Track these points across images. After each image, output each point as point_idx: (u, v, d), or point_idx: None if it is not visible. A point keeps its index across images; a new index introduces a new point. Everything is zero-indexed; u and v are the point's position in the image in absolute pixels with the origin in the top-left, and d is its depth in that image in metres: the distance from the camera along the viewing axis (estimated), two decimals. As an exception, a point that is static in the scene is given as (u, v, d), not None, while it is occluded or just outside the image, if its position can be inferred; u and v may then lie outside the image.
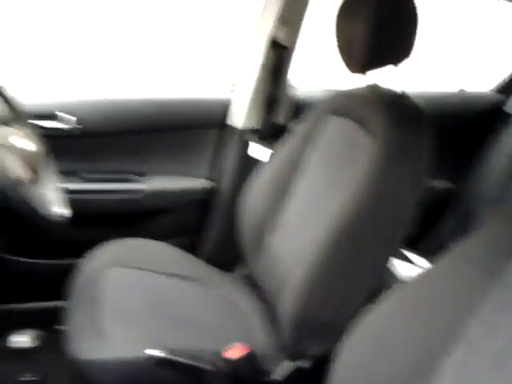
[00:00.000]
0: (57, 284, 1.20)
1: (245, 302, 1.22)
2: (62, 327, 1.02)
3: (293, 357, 1.02)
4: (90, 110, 1.40)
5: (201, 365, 0.94)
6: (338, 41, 1.05)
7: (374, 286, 0.97)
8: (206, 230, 1.58)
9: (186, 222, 1.57)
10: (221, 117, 1.52)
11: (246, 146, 1.50)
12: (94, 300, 1.06)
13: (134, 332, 1.00)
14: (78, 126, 1.37)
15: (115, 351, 0.94)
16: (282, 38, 1.38)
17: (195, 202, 1.55)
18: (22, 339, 0.93)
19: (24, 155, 1.01)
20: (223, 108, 1.51)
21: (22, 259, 1.41)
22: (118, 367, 0.93)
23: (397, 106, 1.01)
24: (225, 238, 1.53)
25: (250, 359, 0.99)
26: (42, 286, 1.40)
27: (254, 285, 1.25)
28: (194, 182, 1.54)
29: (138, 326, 1.02)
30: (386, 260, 1.02)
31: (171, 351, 0.93)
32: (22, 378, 0.98)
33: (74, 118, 1.36)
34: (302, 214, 1.13)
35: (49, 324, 1.08)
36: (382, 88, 1.08)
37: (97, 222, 1.44)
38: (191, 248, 1.39)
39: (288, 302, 0.99)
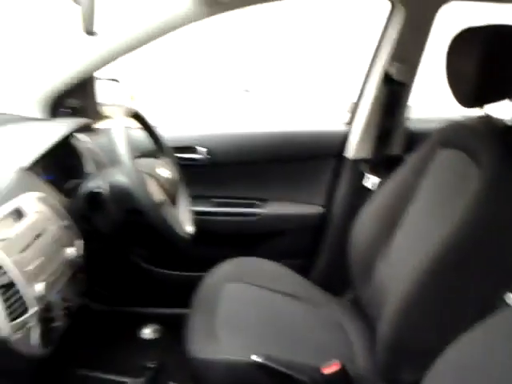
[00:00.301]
0: (183, 293, 1.35)
1: (349, 324, 1.27)
2: (183, 329, 1.18)
3: (388, 381, 1.05)
4: (219, 143, 1.58)
5: (299, 376, 1.02)
6: (449, 76, 1.07)
7: (482, 316, 0.96)
8: (318, 254, 1.66)
9: (300, 245, 1.66)
10: (337, 148, 1.60)
11: (360, 176, 1.56)
12: (212, 309, 1.21)
13: (243, 339, 1.12)
14: (208, 156, 1.56)
15: (225, 354, 1.07)
16: (396, 74, 1.44)
17: (309, 227, 1.64)
18: (150, 333, 1.12)
19: (165, 182, 1.22)
20: (339, 140, 1.60)
21: (157, 269, 1.62)
22: (225, 368, 1.06)
23: (508, 138, 1.01)
24: (335, 262, 1.59)
25: (344, 376, 1.04)
26: (171, 293, 1.58)
27: (360, 309, 1.29)
28: (309, 209, 1.64)
29: (247, 334, 1.14)
30: (496, 291, 1.00)
31: (274, 360, 1.03)
32: (147, 365, 1.17)
33: (206, 150, 1.56)
34: (408, 242, 1.16)
35: (173, 326, 1.26)
36: (493, 118, 1.08)
37: (221, 241, 1.61)
38: (303, 270, 1.48)
39: (385, 327, 1.03)
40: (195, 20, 1.29)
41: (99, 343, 1.43)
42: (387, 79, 1.46)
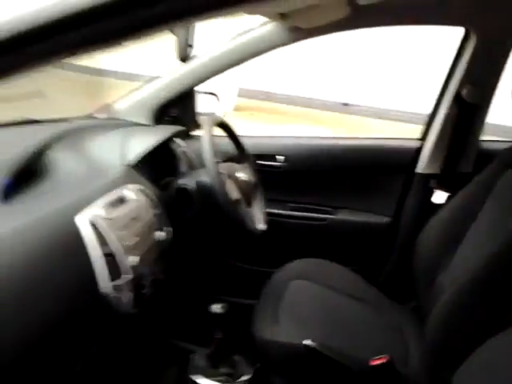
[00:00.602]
0: (253, 285, 1.51)
1: (408, 329, 1.33)
2: (250, 312, 1.35)
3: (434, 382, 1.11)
4: (296, 152, 1.73)
5: (345, 363, 1.14)
6: None
7: None
8: (384, 262, 1.73)
9: (367, 252, 1.75)
10: (408, 162, 1.68)
11: (429, 190, 1.63)
12: (278, 299, 1.35)
13: (301, 327, 1.26)
14: (286, 164, 1.72)
15: (282, 336, 1.23)
16: (467, 96, 1.49)
17: (377, 236, 1.73)
18: (219, 308, 1.31)
19: (242, 184, 1.41)
20: (411, 155, 1.67)
21: (232, 262, 1.80)
22: (281, 348, 1.21)
23: None
24: (400, 271, 1.66)
25: (391, 370, 1.12)
26: (242, 284, 1.76)
27: (420, 318, 1.35)
28: (378, 218, 1.73)
29: (305, 323, 1.28)
30: None
31: (324, 346, 1.15)
32: (214, 336, 1.37)
33: (283, 158, 1.72)
34: (466, 254, 1.21)
35: (240, 309, 1.44)
36: None
37: (292, 242, 1.76)
38: (368, 276, 1.56)
39: (429, 331, 1.11)
40: (281, 45, 1.47)
41: (174, 314, 1.63)
42: (459, 100, 1.52)
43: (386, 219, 1.73)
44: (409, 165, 1.67)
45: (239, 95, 7.11)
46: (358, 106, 7.40)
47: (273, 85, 7.63)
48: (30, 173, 1.08)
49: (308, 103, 7.56)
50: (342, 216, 1.75)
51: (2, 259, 0.80)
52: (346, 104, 7.60)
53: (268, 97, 7.67)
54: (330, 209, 1.76)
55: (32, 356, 0.83)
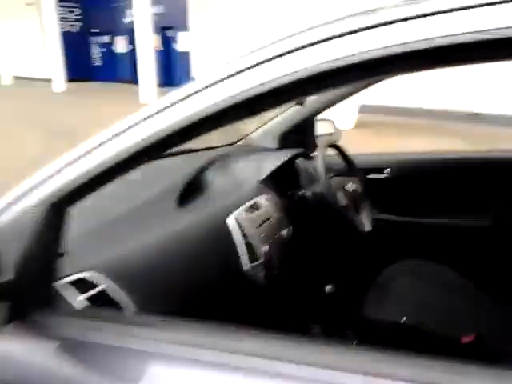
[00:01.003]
0: (359, 281, 1.77)
1: (507, 322, 1.45)
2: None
3: None
4: (400, 165, 2.00)
5: (438, 338, 1.35)
6: None
7: None
8: (487, 263, 1.89)
9: (468, 253, 1.92)
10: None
11: None
12: (385, 289, 1.61)
13: (405, 309, 1.48)
14: (391, 176, 1.99)
15: (384, 316, 1.49)
16: None
17: (480, 239, 1.91)
18: (331, 288, 1.63)
19: (350, 194, 1.72)
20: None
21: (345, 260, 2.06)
22: (382, 325, 1.48)
23: None
24: (501, 273, 1.81)
25: (480, 347, 1.29)
26: (350, 279, 1.97)
27: None
28: (477, 223, 1.91)
29: (407, 309, 1.50)
30: None
31: (419, 323, 1.40)
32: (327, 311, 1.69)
33: (389, 170, 1.99)
34: None
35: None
36: None
37: (399, 245, 1.97)
38: (471, 277, 1.68)
39: None
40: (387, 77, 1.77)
41: (294, 294, 1.93)
42: None
43: (485, 223, 1.90)
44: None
45: (363, 112, 7.31)
46: (490, 114, 7.12)
47: (396, 99, 7.69)
48: (193, 187, 1.55)
49: (433, 115, 7.47)
50: (445, 221, 1.95)
51: (183, 243, 1.25)
52: (476, 114, 7.37)
53: (392, 111, 7.74)
54: (433, 214, 1.98)
55: (198, 302, 1.24)
